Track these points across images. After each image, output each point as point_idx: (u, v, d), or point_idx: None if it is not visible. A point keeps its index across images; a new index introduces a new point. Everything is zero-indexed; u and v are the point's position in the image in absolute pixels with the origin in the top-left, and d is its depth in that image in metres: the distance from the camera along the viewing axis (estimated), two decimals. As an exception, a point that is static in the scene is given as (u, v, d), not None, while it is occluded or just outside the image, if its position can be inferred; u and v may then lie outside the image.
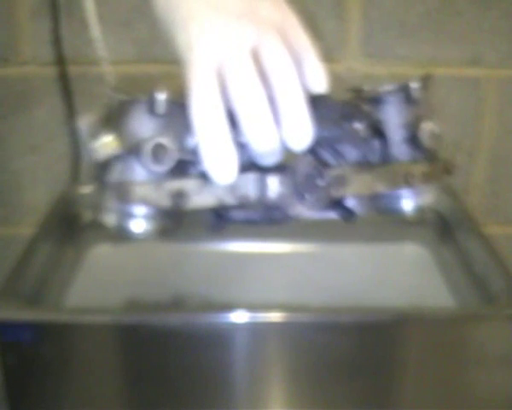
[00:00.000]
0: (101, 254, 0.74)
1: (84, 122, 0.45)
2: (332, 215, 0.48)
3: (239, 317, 0.55)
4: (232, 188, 0.44)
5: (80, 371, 0.57)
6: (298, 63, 0.43)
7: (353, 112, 0.47)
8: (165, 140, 0.43)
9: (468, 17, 0.85)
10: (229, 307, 0.57)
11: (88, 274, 0.70)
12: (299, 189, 0.45)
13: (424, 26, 0.85)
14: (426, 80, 0.48)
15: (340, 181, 0.46)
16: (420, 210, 0.48)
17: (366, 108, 0.47)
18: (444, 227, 0.77)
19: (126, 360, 0.58)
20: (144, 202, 0.43)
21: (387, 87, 0.48)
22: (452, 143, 0.91)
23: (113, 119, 0.43)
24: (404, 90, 0.47)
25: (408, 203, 0.48)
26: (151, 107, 0.42)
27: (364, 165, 0.47)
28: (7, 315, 0.56)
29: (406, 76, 0.87)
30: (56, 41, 0.83)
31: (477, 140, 0.91)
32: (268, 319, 0.56)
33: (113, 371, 0.58)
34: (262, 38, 0.42)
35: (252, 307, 0.56)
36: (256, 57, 0.42)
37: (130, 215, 0.44)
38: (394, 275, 0.72)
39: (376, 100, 0.47)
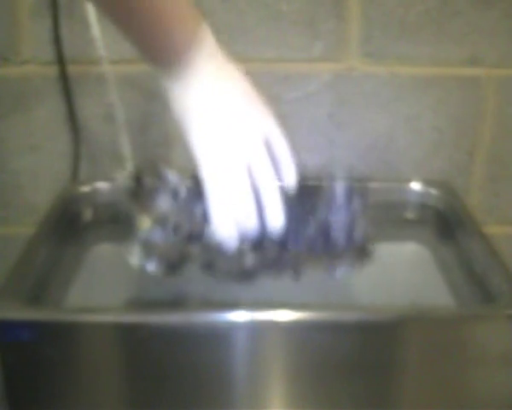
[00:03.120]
0: (101, 254, 0.74)
1: (121, 180, 0.64)
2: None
3: (239, 316, 0.56)
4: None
5: (80, 370, 0.57)
6: (277, 164, 0.60)
7: (308, 210, 0.62)
8: (182, 218, 0.60)
9: (468, 17, 0.85)
10: (229, 306, 0.57)
11: (88, 274, 0.70)
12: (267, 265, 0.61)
13: (424, 25, 0.85)
14: (363, 192, 0.64)
15: (295, 260, 0.61)
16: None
17: (319, 207, 0.63)
18: (444, 227, 0.77)
19: (126, 359, 0.58)
20: (161, 257, 0.60)
21: (336, 189, 0.63)
22: (452, 143, 0.91)
23: (146, 201, 0.62)
24: (347, 196, 0.63)
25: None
26: (175, 195, 0.61)
27: (312, 250, 0.62)
28: (7, 315, 0.56)
29: (406, 76, 0.88)
30: (56, 41, 0.83)
31: (477, 140, 0.91)
32: (268, 318, 0.56)
33: (113, 371, 0.58)
34: (254, 156, 0.58)
35: (252, 306, 0.56)
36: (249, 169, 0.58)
37: (149, 261, 0.61)
38: (394, 275, 0.71)
39: (326, 203, 0.63)
